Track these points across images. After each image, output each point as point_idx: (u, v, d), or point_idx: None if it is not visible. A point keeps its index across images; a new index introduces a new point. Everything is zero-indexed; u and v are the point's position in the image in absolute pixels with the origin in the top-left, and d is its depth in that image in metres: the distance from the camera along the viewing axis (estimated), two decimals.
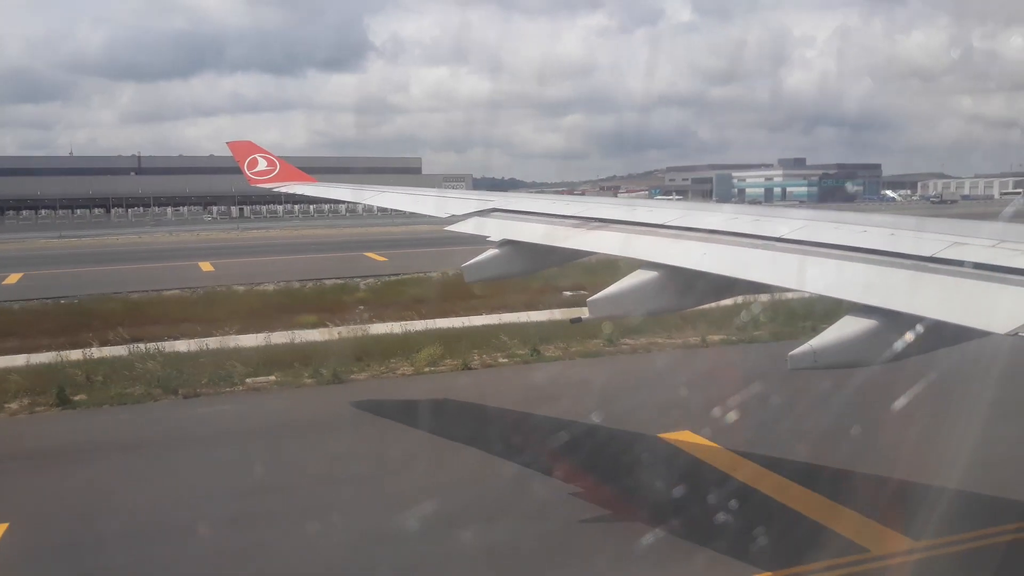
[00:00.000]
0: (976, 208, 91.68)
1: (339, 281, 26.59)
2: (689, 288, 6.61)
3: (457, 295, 23.33)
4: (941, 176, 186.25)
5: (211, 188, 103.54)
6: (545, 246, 8.33)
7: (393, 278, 27.30)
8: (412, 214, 11.67)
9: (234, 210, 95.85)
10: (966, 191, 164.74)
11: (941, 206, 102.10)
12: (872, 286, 5.17)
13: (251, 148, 13.62)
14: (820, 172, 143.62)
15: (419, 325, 18.02)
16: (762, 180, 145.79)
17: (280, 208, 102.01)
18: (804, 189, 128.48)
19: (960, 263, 4.86)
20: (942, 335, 4.85)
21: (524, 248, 8.60)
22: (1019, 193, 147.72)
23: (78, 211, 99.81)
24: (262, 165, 13.26)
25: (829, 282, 5.54)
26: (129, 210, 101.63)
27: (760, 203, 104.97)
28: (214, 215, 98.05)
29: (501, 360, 14.50)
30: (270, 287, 25.79)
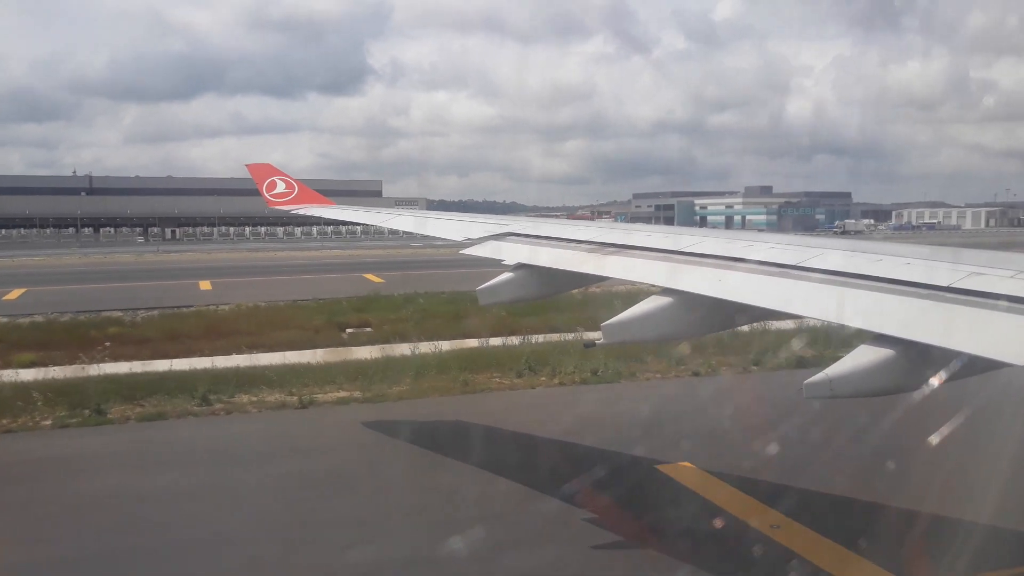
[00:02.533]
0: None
1: (119, 313, 24.44)
2: (699, 313, 6.67)
3: (231, 331, 21.28)
4: (927, 205, 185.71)
5: (153, 210, 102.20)
6: (559, 270, 8.36)
7: (182, 310, 25.26)
8: (424, 237, 11.38)
9: (167, 232, 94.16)
10: (940, 219, 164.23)
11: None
12: (889, 315, 5.16)
13: (270, 171, 13.55)
14: (783, 200, 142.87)
15: (105, 368, 15.82)
16: (723, 208, 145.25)
17: (215, 231, 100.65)
18: (763, 217, 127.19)
19: (980, 293, 4.86)
20: (963, 366, 4.77)
21: (538, 272, 8.62)
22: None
23: (3, 231, 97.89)
24: (280, 188, 13.34)
25: (832, 310, 5.61)
26: (60, 231, 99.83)
27: (721, 228, 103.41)
28: (146, 238, 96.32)
29: (71, 422, 12.14)
30: (37, 319, 23.70)
